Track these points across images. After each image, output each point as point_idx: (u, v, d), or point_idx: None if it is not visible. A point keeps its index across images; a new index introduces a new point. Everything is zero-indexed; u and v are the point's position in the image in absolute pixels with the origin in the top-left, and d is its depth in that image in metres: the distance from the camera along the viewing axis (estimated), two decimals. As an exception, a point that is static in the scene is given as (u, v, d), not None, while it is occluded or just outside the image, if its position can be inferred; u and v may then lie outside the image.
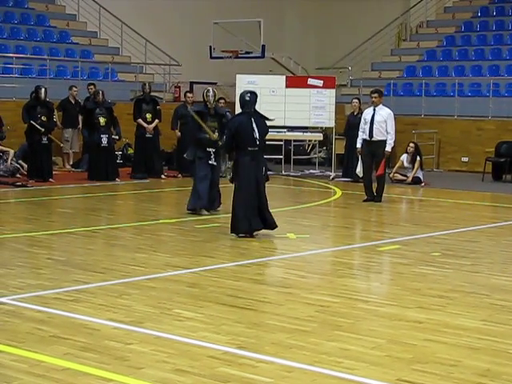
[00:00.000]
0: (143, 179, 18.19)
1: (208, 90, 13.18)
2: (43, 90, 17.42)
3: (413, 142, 19.29)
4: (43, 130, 17.24)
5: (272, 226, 11.17)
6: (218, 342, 6.20)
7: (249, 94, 11.14)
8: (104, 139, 17.73)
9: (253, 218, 11.01)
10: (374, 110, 15.26)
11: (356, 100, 19.38)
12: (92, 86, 19.73)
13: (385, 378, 5.50)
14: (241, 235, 11.02)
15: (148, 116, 18.58)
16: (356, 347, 6.17)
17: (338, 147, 20.09)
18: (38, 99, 17.36)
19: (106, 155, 17.78)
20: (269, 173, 11.42)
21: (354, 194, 16.21)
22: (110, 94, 20.59)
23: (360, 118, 15.85)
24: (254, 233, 11.10)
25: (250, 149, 10.97)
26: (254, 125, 11.00)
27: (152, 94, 19.36)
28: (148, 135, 18.55)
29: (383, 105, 15.50)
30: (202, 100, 13.34)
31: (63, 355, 5.84)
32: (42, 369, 5.56)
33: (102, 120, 17.82)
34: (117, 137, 18.19)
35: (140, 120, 18.53)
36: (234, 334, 6.43)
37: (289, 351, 6.04)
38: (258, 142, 10.99)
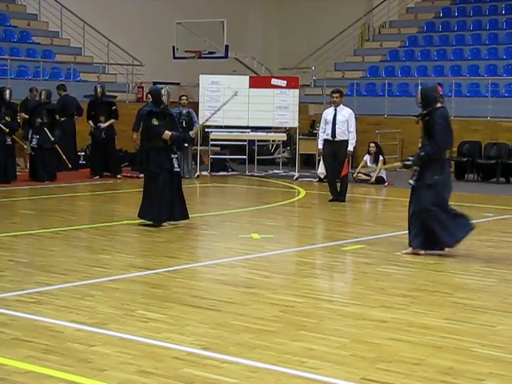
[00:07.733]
0: (99, 179, 18.14)
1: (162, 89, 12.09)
2: (8, 90, 17.27)
3: (373, 142, 19.35)
4: (7, 130, 17.08)
5: None
6: (183, 343, 6.18)
7: None
8: (34, 140, 17.57)
9: None
10: (336, 109, 15.28)
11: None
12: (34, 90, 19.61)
13: (349, 378, 5.51)
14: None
15: (101, 119, 18.47)
16: (320, 347, 6.17)
17: (302, 147, 20.11)
18: (2, 100, 17.20)
19: (36, 155, 17.53)
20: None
21: (318, 194, 16.24)
22: (72, 94, 20.51)
23: None
24: None
25: None
26: None
27: (108, 94, 19.32)
28: (103, 135, 18.46)
29: (344, 105, 15.52)
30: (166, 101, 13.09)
31: (25, 358, 5.78)
32: (3, 372, 5.49)
33: (37, 120, 17.73)
34: (53, 138, 17.76)
35: (90, 121, 18.60)
36: (198, 335, 6.41)
37: (253, 351, 6.03)
38: None
